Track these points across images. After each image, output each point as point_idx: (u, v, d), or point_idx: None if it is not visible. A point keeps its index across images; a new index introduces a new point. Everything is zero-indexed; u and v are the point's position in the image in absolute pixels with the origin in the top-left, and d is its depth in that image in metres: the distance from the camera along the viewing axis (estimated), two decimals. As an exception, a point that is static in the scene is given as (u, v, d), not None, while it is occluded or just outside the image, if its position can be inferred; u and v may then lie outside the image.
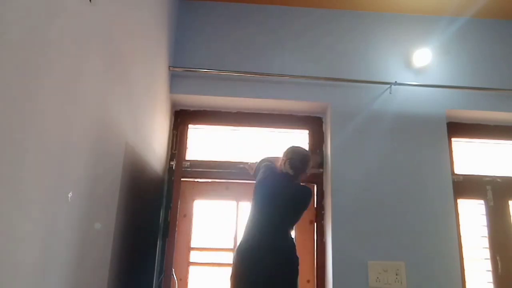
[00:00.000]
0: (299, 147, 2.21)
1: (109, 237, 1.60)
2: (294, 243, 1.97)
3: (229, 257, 2.55)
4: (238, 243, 2.00)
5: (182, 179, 2.31)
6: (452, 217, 2.44)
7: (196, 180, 2.67)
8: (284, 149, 2.20)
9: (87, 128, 1.33)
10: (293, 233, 2.03)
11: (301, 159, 2.13)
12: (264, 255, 1.88)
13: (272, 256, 1.89)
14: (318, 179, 2.67)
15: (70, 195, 1.22)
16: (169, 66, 2.54)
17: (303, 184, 2.18)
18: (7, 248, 0.91)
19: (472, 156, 2.79)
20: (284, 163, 2.12)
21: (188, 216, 2.62)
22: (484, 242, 2.58)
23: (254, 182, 2.27)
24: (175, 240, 2.17)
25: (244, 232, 2.00)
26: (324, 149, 2.71)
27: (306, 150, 2.23)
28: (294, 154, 2.14)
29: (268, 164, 2.20)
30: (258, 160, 2.31)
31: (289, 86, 2.65)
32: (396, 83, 2.62)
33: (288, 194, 2.06)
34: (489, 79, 2.72)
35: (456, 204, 2.57)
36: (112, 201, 1.62)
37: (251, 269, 1.87)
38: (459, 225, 2.56)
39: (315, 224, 2.61)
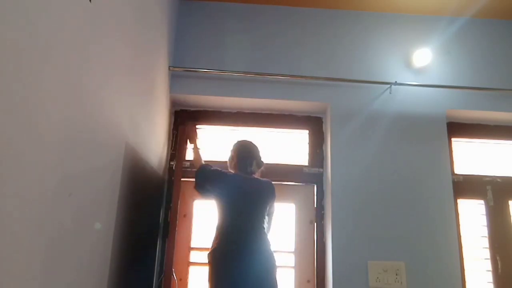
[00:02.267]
0: (244, 141, 2.25)
1: (109, 237, 1.60)
2: (268, 239, 2.01)
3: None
4: (211, 249, 1.97)
5: (182, 179, 2.31)
6: (452, 217, 2.44)
7: (196, 180, 2.66)
8: (233, 146, 2.24)
9: (87, 128, 1.33)
10: (268, 232, 2.07)
11: (249, 153, 2.18)
12: (241, 255, 1.90)
13: (249, 255, 1.91)
14: (318, 179, 2.67)
15: (70, 195, 1.22)
16: (169, 66, 2.54)
17: (265, 179, 2.20)
18: (7, 248, 0.91)
19: (472, 156, 2.79)
20: (236, 164, 2.16)
21: (188, 216, 2.61)
22: (484, 242, 2.58)
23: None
24: (175, 240, 2.17)
25: (217, 235, 1.99)
26: (324, 149, 2.71)
27: (252, 142, 2.25)
28: (242, 150, 2.19)
29: (216, 169, 2.15)
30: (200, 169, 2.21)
31: (289, 86, 2.65)
32: (396, 83, 2.62)
33: (253, 192, 2.08)
34: (489, 79, 2.72)
35: (456, 204, 2.57)
36: (112, 201, 1.62)
37: (230, 271, 1.88)
38: (459, 225, 2.56)
39: (315, 224, 2.60)
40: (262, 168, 2.22)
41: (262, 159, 2.22)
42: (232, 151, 2.23)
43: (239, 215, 2.01)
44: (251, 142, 2.26)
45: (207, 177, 2.13)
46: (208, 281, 1.91)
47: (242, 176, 2.13)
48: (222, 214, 2.03)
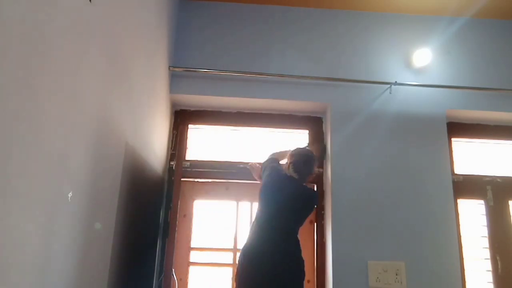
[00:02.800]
0: (303, 148, 2.26)
1: (109, 237, 1.60)
2: (299, 245, 1.99)
3: (229, 257, 2.55)
4: (243, 244, 2.01)
5: (182, 179, 2.31)
6: (452, 217, 2.44)
7: (196, 180, 2.67)
8: (290, 150, 2.25)
9: (87, 128, 1.33)
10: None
11: (304, 161, 2.16)
12: (271, 257, 1.89)
13: (278, 258, 1.90)
14: (318, 179, 2.67)
15: (70, 195, 1.22)
16: (169, 66, 2.54)
17: (309, 186, 2.21)
18: (7, 248, 0.91)
19: (472, 156, 2.79)
20: (289, 166, 2.16)
21: (188, 216, 2.62)
22: (484, 242, 2.58)
23: (256, 182, 2.28)
24: (175, 240, 2.17)
25: (250, 233, 2.02)
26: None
27: (310, 151, 2.24)
28: (297, 157, 2.17)
29: (274, 165, 2.21)
30: (265, 159, 2.33)
31: (289, 86, 2.65)
32: (396, 83, 2.62)
33: (293, 197, 2.08)
34: (489, 79, 2.72)
35: (456, 204, 2.57)
36: (112, 201, 1.62)
37: (258, 271, 1.88)
38: (459, 225, 2.56)
39: (315, 224, 2.61)
40: (307, 177, 2.19)
41: (306, 170, 2.16)
42: (289, 156, 2.22)
43: (276, 215, 2.02)
44: (309, 152, 2.23)
45: (266, 167, 2.19)
46: (235, 278, 1.93)
47: (290, 179, 2.13)
48: (259, 212, 2.05)
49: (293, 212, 2.04)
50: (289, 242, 1.97)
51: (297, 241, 2.00)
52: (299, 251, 1.98)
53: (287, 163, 2.20)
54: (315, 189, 2.67)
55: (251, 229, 2.05)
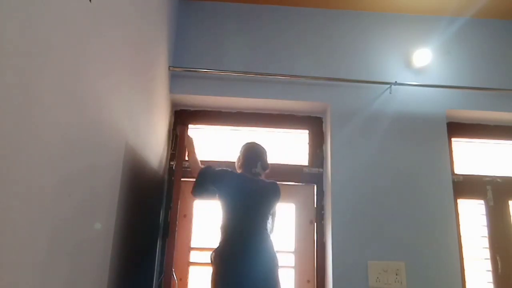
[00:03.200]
0: (252, 143, 2.27)
1: (109, 237, 1.60)
2: (271, 239, 2.02)
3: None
4: (217, 246, 1.99)
5: (182, 179, 2.31)
6: (452, 217, 2.44)
7: (196, 180, 2.66)
8: (242, 147, 2.26)
9: (87, 128, 1.33)
10: (269, 230, 2.09)
11: (255, 153, 2.20)
12: (245, 255, 1.91)
13: (252, 256, 1.92)
14: (318, 179, 2.67)
15: (69, 195, 1.22)
16: (169, 66, 2.54)
17: (270, 180, 2.21)
18: (7, 249, 0.91)
19: (472, 156, 2.79)
20: (242, 162, 2.19)
21: (188, 216, 2.62)
22: (484, 242, 2.58)
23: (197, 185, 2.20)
24: (175, 240, 2.17)
25: (222, 235, 2.01)
26: (324, 149, 2.71)
27: (260, 145, 2.26)
28: (248, 151, 2.20)
29: (223, 168, 2.17)
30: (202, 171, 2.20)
31: (289, 86, 2.65)
32: (396, 83, 2.62)
33: (257, 192, 2.09)
34: (489, 79, 2.72)
35: (456, 204, 2.58)
36: (112, 201, 1.62)
37: (234, 271, 1.88)
38: (459, 225, 2.56)
39: (315, 224, 2.61)
40: (267, 171, 2.22)
41: (267, 162, 2.22)
42: (240, 151, 2.26)
43: (242, 215, 2.02)
44: (259, 144, 2.27)
45: (211, 177, 2.13)
46: (211, 281, 1.92)
47: (247, 176, 2.14)
48: (225, 214, 2.04)
49: (259, 208, 2.05)
50: (260, 238, 1.98)
51: (268, 236, 2.01)
52: (272, 246, 1.99)
53: (239, 161, 2.22)
54: (315, 189, 2.66)
55: (221, 230, 2.02)
